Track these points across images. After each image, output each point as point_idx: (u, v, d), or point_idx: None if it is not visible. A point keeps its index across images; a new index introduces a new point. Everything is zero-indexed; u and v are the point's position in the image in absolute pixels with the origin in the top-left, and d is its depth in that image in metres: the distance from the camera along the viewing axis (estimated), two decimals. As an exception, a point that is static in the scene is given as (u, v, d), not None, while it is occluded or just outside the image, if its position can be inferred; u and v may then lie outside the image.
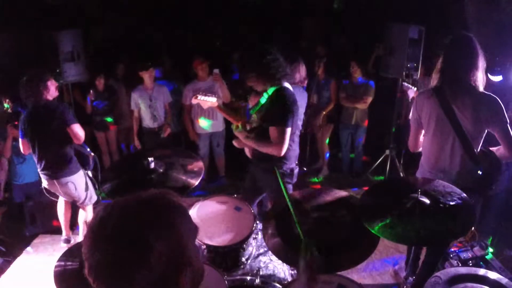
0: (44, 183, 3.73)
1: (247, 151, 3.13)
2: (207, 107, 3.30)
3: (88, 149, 3.82)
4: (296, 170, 3.11)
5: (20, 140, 3.68)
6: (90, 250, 0.87)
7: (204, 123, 5.16)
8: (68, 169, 3.63)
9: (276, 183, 2.60)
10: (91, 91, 5.34)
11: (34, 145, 3.58)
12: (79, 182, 3.72)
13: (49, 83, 3.52)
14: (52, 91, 3.56)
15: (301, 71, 3.68)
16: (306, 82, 3.84)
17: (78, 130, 3.57)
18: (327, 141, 5.80)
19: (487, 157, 2.58)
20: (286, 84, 2.85)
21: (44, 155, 3.58)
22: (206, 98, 3.20)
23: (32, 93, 3.47)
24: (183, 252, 0.91)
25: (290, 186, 3.10)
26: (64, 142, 3.58)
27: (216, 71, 4.82)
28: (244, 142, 2.96)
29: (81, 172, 3.75)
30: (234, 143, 3.08)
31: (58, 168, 3.60)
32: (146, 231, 0.86)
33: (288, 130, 2.75)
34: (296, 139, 3.09)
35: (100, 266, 0.86)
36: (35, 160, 3.65)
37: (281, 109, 2.73)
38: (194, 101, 3.28)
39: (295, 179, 3.12)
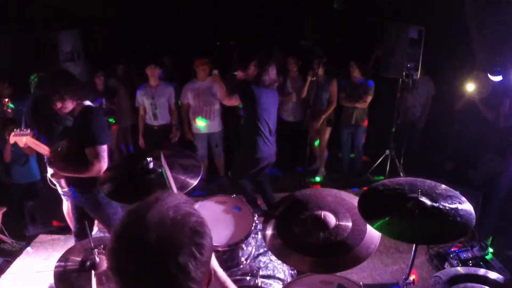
0: (50, 172, 3.55)
1: (63, 183, 3.16)
2: (25, 145, 2.92)
3: None
4: None
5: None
6: (118, 265, 0.88)
7: (201, 123, 5.17)
8: None
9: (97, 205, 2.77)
10: (104, 100, 5.39)
11: (39, 136, 3.46)
12: None
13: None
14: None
15: (271, 74, 3.77)
16: (276, 84, 3.91)
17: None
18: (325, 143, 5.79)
19: None
20: (87, 103, 2.84)
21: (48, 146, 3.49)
22: (20, 134, 2.94)
23: (45, 91, 3.31)
24: (207, 266, 0.95)
25: (119, 210, 2.99)
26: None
27: (215, 72, 4.83)
28: (61, 173, 2.86)
29: None
30: (51, 177, 3.05)
31: None
32: (177, 252, 0.87)
33: (105, 147, 2.75)
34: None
35: (127, 277, 0.87)
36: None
37: (92, 129, 2.70)
38: (11, 140, 2.95)
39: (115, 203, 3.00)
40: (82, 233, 3.12)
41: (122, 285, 0.88)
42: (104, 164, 2.72)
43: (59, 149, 2.86)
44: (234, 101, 4.06)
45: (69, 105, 2.73)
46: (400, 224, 1.84)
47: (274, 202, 4.07)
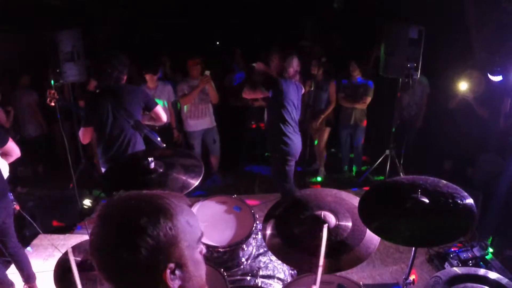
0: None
1: None
2: None
3: (159, 139, 3.51)
4: None
5: (84, 128, 3.40)
6: (93, 227, 0.95)
7: (196, 121, 5.21)
8: None
9: None
10: None
11: (105, 128, 3.34)
12: None
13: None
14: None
15: (295, 65, 3.84)
16: (298, 76, 3.96)
17: (161, 111, 3.50)
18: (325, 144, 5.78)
19: None
20: None
21: (112, 140, 3.38)
22: None
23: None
24: (174, 247, 0.93)
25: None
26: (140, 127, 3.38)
27: (207, 73, 4.88)
28: None
29: None
30: None
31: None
32: (140, 216, 0.90)
33: None
34: None
35: (94, 242, 0.93)
36: (101, 145, 3.41)
37: None
38: None
39: None
40: None
41: (94, 254, 0.94)
42: None
43: None
44: (257, 94, 4.02)
45: None
46: (399, 227, 1.83)
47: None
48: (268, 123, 4.07)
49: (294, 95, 3.89)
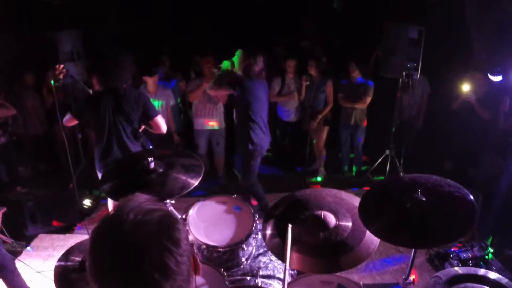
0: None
1: None
2: None
3: (151, 147, 3.54)
4: None
5: (71, 117, 3.42)
6: (89, 257, 0.85)
7: (205, 121, 5.20)
8: None
9: None
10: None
11: (103, 133, 3.32)
12: None
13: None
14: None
15: (259, 64, 3.92)
16: (263, 73, 4.03)
17: (161, 121, 3.45)
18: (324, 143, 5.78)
19: None
20: None
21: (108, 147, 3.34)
22: None
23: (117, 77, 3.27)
24: (190, 251, 0.92)
25: None
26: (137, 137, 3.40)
27: (215, 71, 4.88)
28: None
29: None
30: None
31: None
32: (152, 251, 0.83)
33: None
34: None
35: (94, 279, 0.84)
36: (98, 149, 3.38)
37: None
38: None
39: None
40: None
41: None
42: None
43: None
44: (222, 92, 4.17)
45: None
46: (399, 228, 1.83)
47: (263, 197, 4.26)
48: (236, 121, 4.13)
49: (262, 93, 3.97)
